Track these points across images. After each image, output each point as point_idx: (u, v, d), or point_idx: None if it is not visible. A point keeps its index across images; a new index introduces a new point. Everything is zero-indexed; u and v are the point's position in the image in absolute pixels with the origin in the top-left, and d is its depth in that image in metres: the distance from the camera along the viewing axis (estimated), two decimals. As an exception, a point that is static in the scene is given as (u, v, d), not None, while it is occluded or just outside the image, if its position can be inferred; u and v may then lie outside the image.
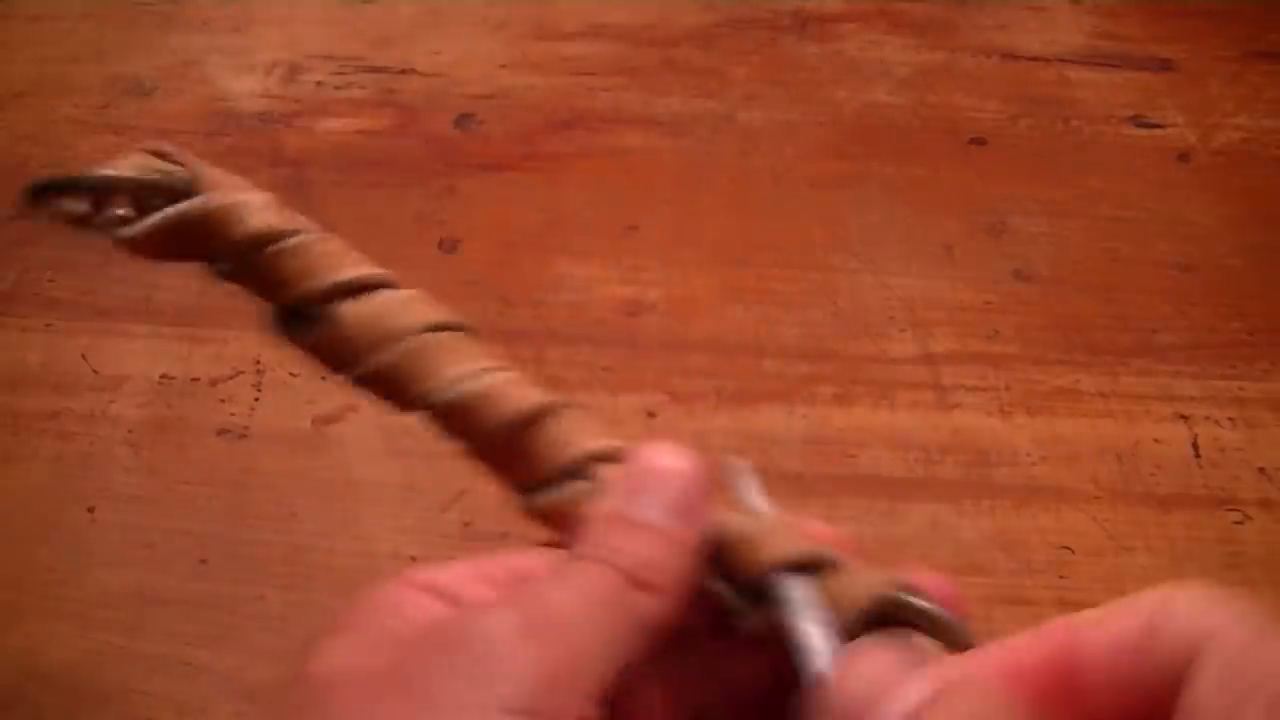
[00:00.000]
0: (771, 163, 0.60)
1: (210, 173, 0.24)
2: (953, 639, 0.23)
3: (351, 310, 0.24)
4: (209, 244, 0.24)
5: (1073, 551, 0.45)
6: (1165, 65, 0.65)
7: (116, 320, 0.53)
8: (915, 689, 0.20)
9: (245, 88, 0.64)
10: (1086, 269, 0.55)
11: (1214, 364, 0.51)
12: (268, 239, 0.24)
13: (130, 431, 0.49)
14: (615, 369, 0.50)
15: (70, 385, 0.50)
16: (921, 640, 0.23)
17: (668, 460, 0.24)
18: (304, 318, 0.24)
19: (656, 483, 0.24)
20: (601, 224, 0.57)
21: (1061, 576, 0.44)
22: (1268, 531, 0.46)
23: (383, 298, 0.24)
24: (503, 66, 0.65)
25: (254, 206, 0.24)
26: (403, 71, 0.65)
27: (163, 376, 0.51)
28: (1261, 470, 0.47)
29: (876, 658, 0.21)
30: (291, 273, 0.24)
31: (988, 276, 0.54)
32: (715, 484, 0.25)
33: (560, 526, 0.24)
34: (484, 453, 0.25)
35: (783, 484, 0.46)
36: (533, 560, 0.25)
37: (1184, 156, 0.60)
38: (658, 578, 0.23)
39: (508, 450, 0.25)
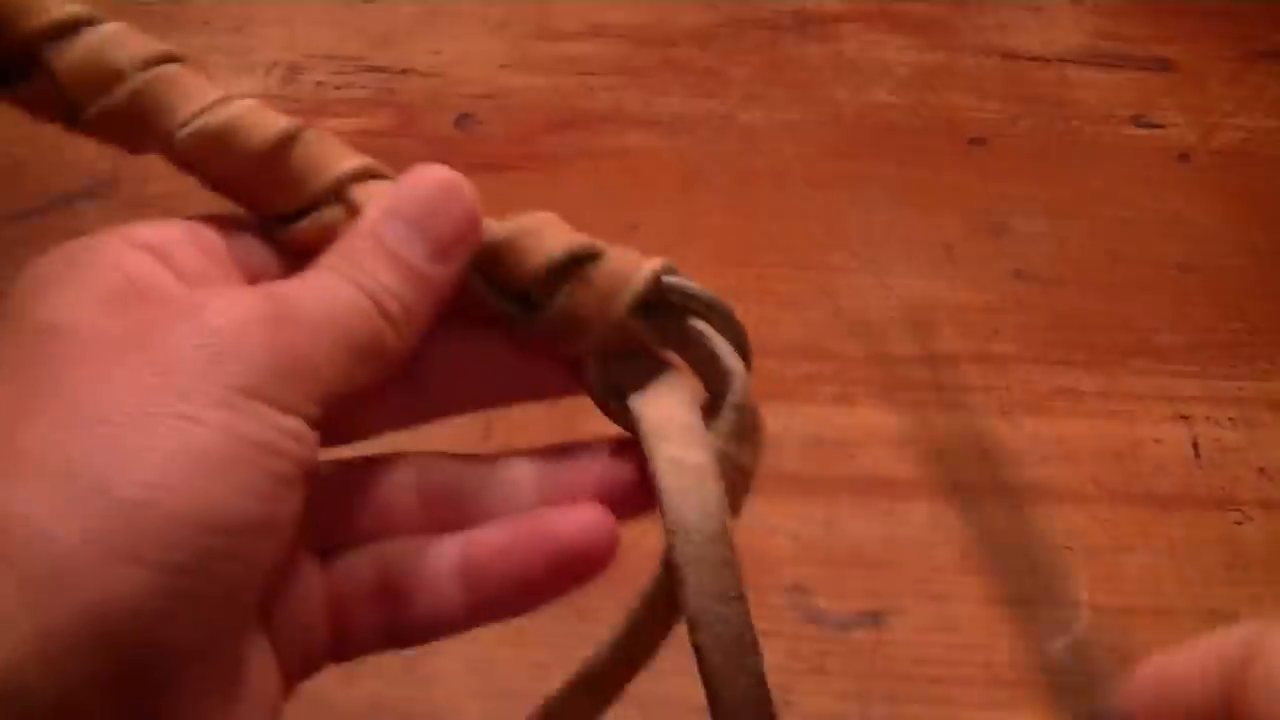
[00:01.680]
0: (771, 163, 0.60)
1: None
2: (719, 317, 0.25)
3: (65, 54, 0.23)
4: None
5: (1073, 551, 0.45)
6: (1165, 65, 0.65)
7: (116, 320, 0.53)
8: None
9: (245, 88, 0.64)
10: (1086, 269, 0.55)
11: (1214, 364, 0.51)
12: None
13: (130, 431, 0.49)
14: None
15: (70, 385, 0.50)
16: (694, 323, 0.25)
17: (438, 188, 0.23)
18: (14, 69, 0.23)
19: (422, 214, 0.23)
20: (601, 224, 0.56)
21: (1061, 576, 0.44)
22: (1268, 531, 0.46)
23: (95, 36, 0.23)
24: (503, 66, 0.65)
25: None
26: (403, 71, 0.65)
27: (163, 376, 0.50)
28: (1261, 470, 0.47)
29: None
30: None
31: (988, 276, 0.54)
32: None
33: (316, 252, 0.24)
34: (232, 186, 0.24)
35: (783, 484, 0.46)
36: (250, 240, 0.24)
37: (1184, 156, 0.60)
38: (400, 313, 0.22)
39: (257, 181, 0.24)
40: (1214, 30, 0.67)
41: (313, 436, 0.21)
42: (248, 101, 0.24)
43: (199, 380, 0.20)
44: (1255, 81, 0.64)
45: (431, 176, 0.24)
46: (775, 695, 0.22)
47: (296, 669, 0.23)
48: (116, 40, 0.23)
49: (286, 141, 0.23)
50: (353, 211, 0.24)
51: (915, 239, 0.56)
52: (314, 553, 0.24)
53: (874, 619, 0.43)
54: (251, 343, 0.20)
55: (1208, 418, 0.49)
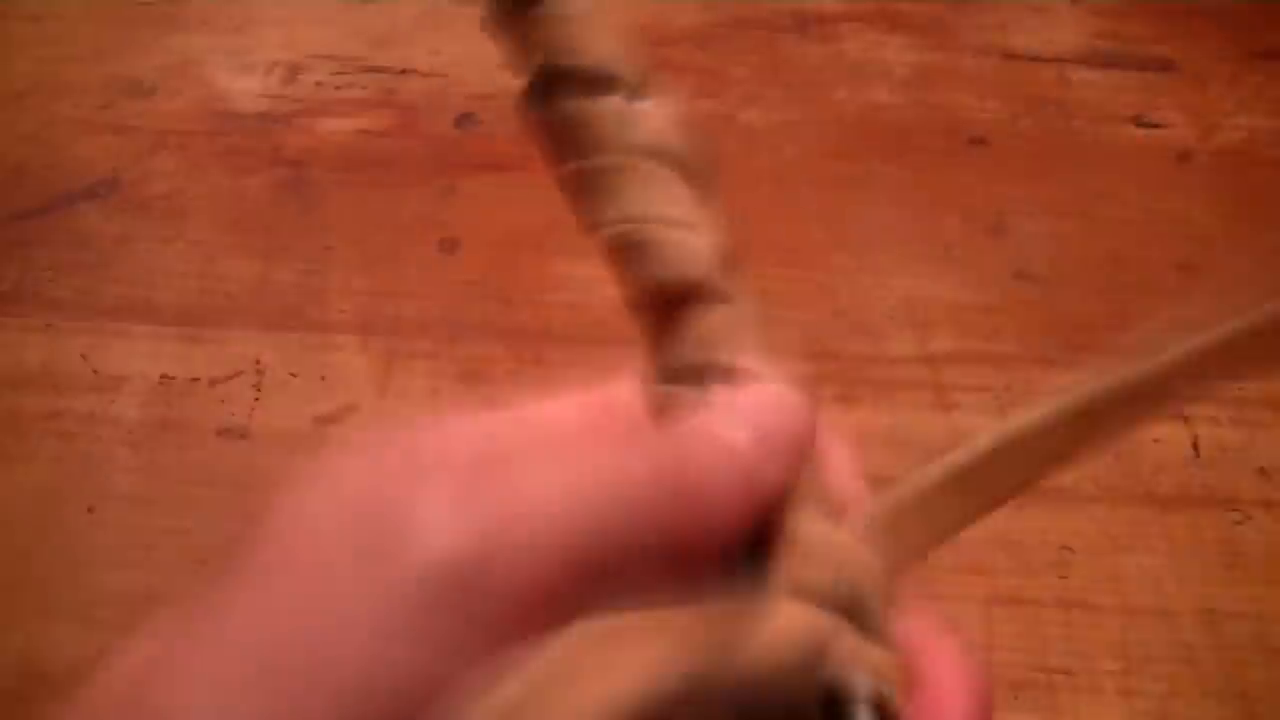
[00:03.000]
0: (771, 163, 0.60)
1: None
2: None
3: (586, 104, 0.22)
4: None
5: (1073, 551, 0.45)
6: (1165, 65, 0.65)
7: (116, 320, 0.53)
8: None
9: (245, 88, 0.64)
10: (1086, 269, 0.54)
11: (1214, 364, 0.51)
12: None
13: (130, 431, 0.49)
14: (615, 369, 0.50)
15: (70, 385, 0.50)
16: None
17: (781, 401, 0.20)
18: (544, 94, 0.23)
19: (757, 411, 0.20)
20: (601, 224, 0.57)
21: (1061, 576, 0.44)
22: (1268, 531, 0.46)
23: (619, 103, 0.22)
24: (503, 66, 0.65)
25: None
26: (403, 71, 0.64)
27: (163, 376, 0.50)
28: (1261, 470, 0.47)
29: None
30: (556, 40, 0.23)
31: (988, 276, 0.54)
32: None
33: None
34: (633, 306, 0.23)
35: (783, 484, 0.46)
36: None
37: (1184, 156, 0.60)
38: (709, 487, 0.17)
39: (650, 314, 0.23)
40: (1214, 30, 0.67)
41: None
42: (692, 235, 0.22)
43: (362, 596, 0.16)
44: (1255, 81, 0.64)
45: (772, 389, 0.21)
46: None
47: None
48: (634, 121, 0.22)
49: (693, 296, 0.22)
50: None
51: (915, 239, 0.56)
52: None
53: (874, 619, 0.43)
54: (439, 528, 0.16)
55: (1208, 418, 0.49)
